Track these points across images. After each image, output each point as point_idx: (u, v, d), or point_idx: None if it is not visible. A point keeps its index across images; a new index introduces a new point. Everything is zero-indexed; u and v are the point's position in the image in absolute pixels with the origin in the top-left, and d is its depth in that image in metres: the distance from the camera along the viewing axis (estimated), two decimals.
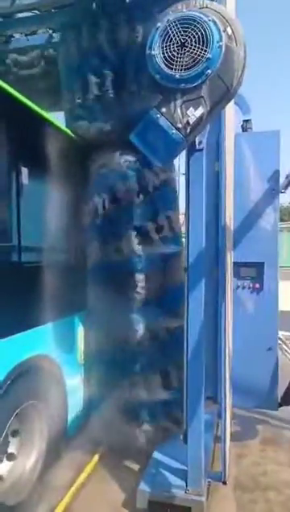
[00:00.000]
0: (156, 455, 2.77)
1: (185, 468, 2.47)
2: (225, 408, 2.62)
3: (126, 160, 2.99)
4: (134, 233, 3.01)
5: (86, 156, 3.20)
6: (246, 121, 4.20)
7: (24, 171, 2.62)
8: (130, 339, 2.99)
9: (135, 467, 2.95)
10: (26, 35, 4.14)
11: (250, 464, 3.04)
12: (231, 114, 3.42)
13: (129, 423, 2.97)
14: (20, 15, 3.89)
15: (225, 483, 2.54)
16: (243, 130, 4.18)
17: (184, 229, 2.62)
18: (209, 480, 2.56)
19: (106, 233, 3.08)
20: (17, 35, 4.20)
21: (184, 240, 2.70)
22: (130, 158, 2.98)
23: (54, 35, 3.85)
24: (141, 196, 3.02)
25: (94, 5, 3.05)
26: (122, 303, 3.02)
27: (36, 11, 3.77)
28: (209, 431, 2.95)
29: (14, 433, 2.47)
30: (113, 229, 3.05)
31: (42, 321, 2.63)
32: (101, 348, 3.14)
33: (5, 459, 2.41)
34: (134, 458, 3.01)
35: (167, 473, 2.55)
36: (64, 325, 2.94)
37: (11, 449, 2.45)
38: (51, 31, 3.93)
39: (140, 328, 2.99)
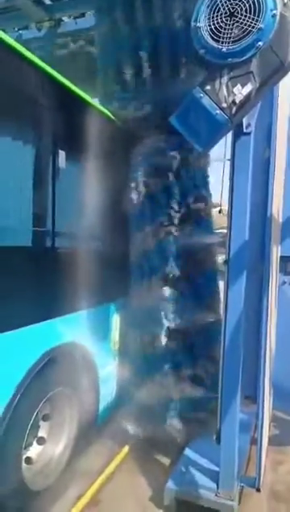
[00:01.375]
0: (187, 452, 2.68)
1: (217, 469, 2.36)
2: (262, 408, 2.46)
3: (162, 144, 2.88)
4: (165, 220, 2.91)
5: (126, 139, 3.12)
6: None
7: (68, 152, 2.61)
8: (160, 333, 2.91)
9: (166, 461, 2.89)
10: (74, 18, 4.12)
11: (289, 472, 2.85)
12: (286, 94, 3.15)
13: (161, 416, 2.90)
14: None
15: (258, 490, 2.39)
16: None
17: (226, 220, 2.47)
18: (242, 485, 2.43)
19: (142, 219, 3.01)
20: (65, 19, 4.19)
21: (224, 230, 2.56)
22: (168, 141, 2.86)
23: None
24: (176, 181, 2.91)
25: None
26: (156, 293, 2.95)
27: None
28: (245, 432, 2.80)
29: (45, 417, 2.49)
30: (149, 216, 2.97)
31: (76, 308, 2.60)
32: (135, 338, 3.09)
33: (35, 442, 2.44)
34: (166, 452, 2.94)
35: (197, 473, 2.46)
36: (99, 313, 2.91)
37: (41, 433, 2.48)
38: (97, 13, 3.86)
39: (171, 322, 2.90)
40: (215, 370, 2.97)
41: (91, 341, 2.75)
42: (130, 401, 3.05)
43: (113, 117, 3.08)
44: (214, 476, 2.35)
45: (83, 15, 4.06)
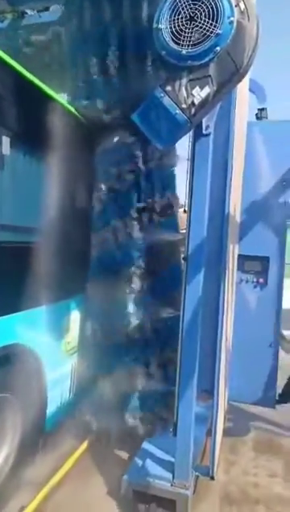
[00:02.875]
0: (145, 445, 2.73)
1: (173, 460, 2.42)
2: (217, 401, 2.56)
3: (125, 141, 2.92)
4: (129, 217, 2.95)
5: (88, 136, 3.13)
6: (261, 109, 4.05)
7: (27, 148, 2.57)
8: (121, 328, 2.94)
9: (125, 456, 2.92)
10: (38, 12, 4.04)
11: (241, 473, 2.87)
12: (244, 100, 3.29)
13: (118, 414, 2.92)
14: None
15: (212, 478, 2.49)
16: (258, 119, 4.04)
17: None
18: (197, 474, 2.51)
19: (105, 215, 3.03)
20: (29, 12, 4.11)
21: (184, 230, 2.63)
22: (130, 138, 2.90)
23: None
24: (138, 178, 2.96)
25: None
26: (113, 291, 2.97)
27: None
28: (201, 424, 2.87)
29: None
30: (110, 212, 3.00)
31: (20, 308, 2.45)
32: (91, 337, 3.09)
33: None
34: (124, 448, 2.97)
35: (154, 464, 2.51)
36: (49, 312, 2.78)
37: None
38: (63, 8, 3.83)
39: (132, 317, 2.94)
40: (174, 365, 3.05)
41: (38, 342, 2.63)
42: (86, 400, 3.04)
43: (77, 113, 3.07)
44: (170, 467, 2.41)
45: (47, 9, 4.01)
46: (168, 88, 1.89)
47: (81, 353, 3.19)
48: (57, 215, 2.83)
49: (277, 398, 3.53)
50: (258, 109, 4.03)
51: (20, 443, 2.54)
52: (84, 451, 2.97)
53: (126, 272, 3.03)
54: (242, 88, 3.03)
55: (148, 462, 2.53)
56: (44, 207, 2.72)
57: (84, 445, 3.02)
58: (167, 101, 1.88)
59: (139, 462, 2.56)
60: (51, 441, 2.84)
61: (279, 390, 3.54)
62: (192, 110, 1.87)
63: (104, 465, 2.81)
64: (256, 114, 4.02)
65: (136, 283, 3.03)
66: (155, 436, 2.88)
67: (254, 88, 3.94)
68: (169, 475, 2.39)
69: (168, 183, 3.26)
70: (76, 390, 3.18)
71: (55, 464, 2.75)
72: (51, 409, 2.82)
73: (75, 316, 3.14)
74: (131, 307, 3.02)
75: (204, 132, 2.23)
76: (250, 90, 3.80)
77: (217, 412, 2.52)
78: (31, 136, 2.60)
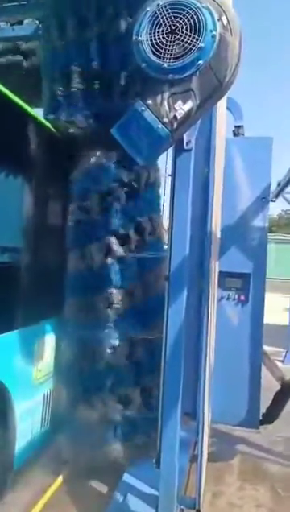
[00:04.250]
0: (126, 478, 2.56)
1: (156, 493, 2.26)
2: (202, 429, 2.43)
3: (105, 158, 2.83)
4: (112, 237, 2.84)
5: (64, 152, 3.03)
6: (238, 126, 4.08)
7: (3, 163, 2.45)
8: (97, 353, 2.80)
9: (104, 490, 2.73)
10: (11, 25, 3.96)
11: (226, 505, 2.72)
12: (223, 117, 3.28)
13: (96, 444, 2.75)
14: (5, 4, 3.72)
15: (198, 511, 2.34)
16: (235, 136, 4.06)
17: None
18: (182, 507, 2.35)
19: (82, 235, 2.91)
20: (2, 24, 4.02)
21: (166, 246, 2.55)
22: (111, 155, 2.82)
23: (40, 25, 3.68)
24: (121, 198, 2.86)
25: None
26: (91, 313, 2.83)
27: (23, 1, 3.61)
28: (184, 451, 2.74)
29: None
30: (90, 232, 2.88)
31: None
32: (65, 363, 2.92)
33: None
34: (103, 483, 2.77)
35: (136, 499, 2.35)
36: (16, 338, 2.60)
37: None
38: (37, 22, 3.77)
39: (109, 341, 2.80)
40: (152, 390, 2.92)
41: (5, 371, 2.45)
42: (60, 431, 2.87)
43: (54, 129, 2.97)
44: (154, 502, 2.25)
45: (21, 23, 3.93)
46: (149, 101, 1.82)
47: (55, 381, 3.01)
48: (26, 233, 2.72)
49: (261, 418, 3.44)
50: (235, 126, 4.06)
51: None
52: (58, 487, 2.75)
53: (102, 294, 2.90)
54: (221, 105, 3.03)
55: (129, 497, 2.37)
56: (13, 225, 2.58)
57: (59, 480, 2.80)
58: (148, 114, 1.81)
59: (120, 498, 2.39)
60: (21, 479, 2.63)
61: (262, 410, 3.45)
62: (175, 124, 1.80)
63: (81, 502, 2.60)
64: (233, 131, 4.05)
65: (113, 305, 2.90)
66: (135, 467, 2.71)
67: (231, 106, 3.97)
68: (152, 510, 2.23)
69: (153, 199, 3.18)
70: (50, 421, 2.99)
71: (27, 503, 2.53)
72: (20, 444, 2.60)
73: (47, 341, 2.96)
74: (108, 331, 2.87)
75: (185, 147, 2.17)
76: (227, 108, 3.82)
77: (202, 439, 2.39)
78: (3, 151, 2.48)
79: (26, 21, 3.85)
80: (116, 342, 2.85)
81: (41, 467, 2.80)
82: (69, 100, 2.90)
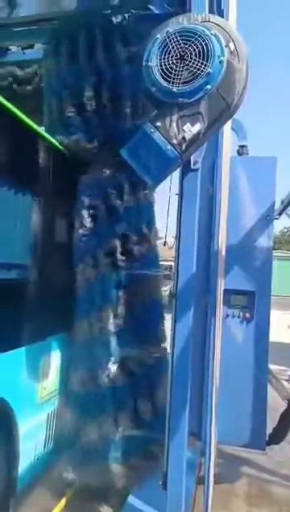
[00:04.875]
0: (131, 500, 2.51)
1: None
2: (209, 450, 2.40)
3: (103, 175, 2.90)
4: (106, 253, 2.88)
5: (71, 170, 3.10)
6: (242, 146, 4.15)
7: (7, 182, 2.49)
8: (102, 370, 2.78)
9: None
10: (22, 49, 4.09)
11: None
12: (228, 137, 3.35)
13: (101, 466, 2.70)
14: (17, 29, 3.85)
15: None
16: (239, 155, 4.12)
17: (172, 253, 2.49)
18: None
19: (83, 251, 2.95)
20: (14, 49, 4.14)
21: (169, 263, 2.57)
22: (109, 173, 2.91)
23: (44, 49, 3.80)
24: (116, 214, 2.92)
25: (82, 20, 3.02)
26: (90, 331, 2.83)
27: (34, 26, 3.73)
28: (190, 473, 2.70)
29: None
30: (91, 248, 2.92)
31: None
32: (68, 382, 2.91)
33: None
34: (108, 505, 2.72)
35: None
36: (20, 356, 2.56)
37: None
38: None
39: (111, 360, 2.79)
40: (158, 408, 2.88)
41: (8, 389, 2.39)
42: (64, 452, 2.82)
43: (60, 147, 3.04)
44: None
45: (32, 46, 4.05)
46: (158, 123, 1.87)
47: (60, 399, 2.97)
48: (29, 251, 2.74)
49: (267, 439, 3.38)
50: (240, 146, 4.12)
51: None
52: (62, 509, 2.69)
53: (103, 310, 2.90)
54: (226, 125, 3.10)
55: None
56: (20, 241, 2.64)
57: (62, 503, 2.74)
58: (157, 136, 1.85)
59: None
60: (24, 501, 2.59)
61: (268, 430, 3.40)
62: (183, 146, 1.85)
63: None
64: (238, 151, 4.12)
65: (114, 322, 2.90)
66: (141, 489, 2.66)
67: (235, 126, 4.05)
68: None
69: (148, 216, 3.23)
70: (54, 441, 2.93)
71: None
72: (24, 464, 2.54)
73: (52, 358, 2.93)
74: (110, 348, 2.87)
75: (192, 167, 2.22)
76: (232, 128, 3.90)
77: (209, 461, 2.36)
78: (13, 169, 2.53)
79: (36, 45, 3.98)
80: (117, 361, 2.84)
81: (44, 488, 2.75)
82: (70, 122, 2.99)
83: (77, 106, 2.95)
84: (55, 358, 2.98)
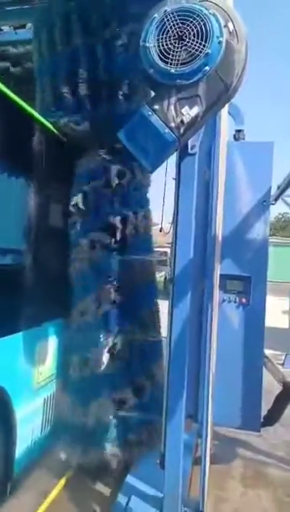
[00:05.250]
0: (129, 479, 2.57)
1: (160, 495, 2.27)
2: (206, 431, 2.44)
3: (97, 158, 2.89)
4: (100, 237, 2.88)
5: (63, 152, 3.07)
6: (239, 131, 4.10)
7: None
8: (97, 354, 2.80)
9: (107, 493, 2.73)
10: (14, 29, 3.99)
11: (232, 511, 2.72)
12: (224, 121, 3.31)
13: (98, 447, 2.75)
14: (9, 8, 3.74)
15: None
16: (235, 140, 4.09)
17: (167, 239, 2.50)
18: (186, 509, 2.36)
19: (77, 235, 2.95)
20: (5, 28, 4.04)
21: (164, 249, 2.57)
22: (104, 156, 2.91)
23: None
24: (110, 197, 2.93)
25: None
26: (85, 316, 2.85)
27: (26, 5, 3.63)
28: (187, 453, 2.75)
29: None
30: (85, 232, 2.91)
31: None
32: (64, 366, 2.94)
33: None
34: (106, 485, 2.78)
35: (140, 501, 2.35)
36: (16, 341, 2.56)
37: None
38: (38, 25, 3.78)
39: (107, 343, 2.81)
40: (153, 391, 2.93)
41: (4, 375, 2.41)
42: (61, 434, 2.86)
43: (54, 129, 2.99)
44: (158, 504, 2.26)
45: (24, 26, 3.95)
46: (156, 106, 1.84)
47: (56, 384, 3.00)
48: (25, 235, 2.72)
49: (261, 421, 3.45)
50: (236, 131, 4.08)
51: None
52: (60, 490, 2.74)
53: (97, 295, 2.91)
54: (223, 110, 3.06)
55: (133, 499, 2.36)
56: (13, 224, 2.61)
57: (61, 484, 2.79)
58: (155, 119, 1.83)
59: (123, 500, 2.39)
60: (22, 484, 2.62)
61: (263, 413, 3.46)
62: (181, 129, 1.82)
63: (84, 506, 2.60)
64: (234, 135, 4.08)
65: (108, 307, 2.92)
66: (138, 468, 2.72)
67: (232, 111, 4.00)
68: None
69: (142, 201, 3.22)
70: (51, 425, 2.97)
71: (27, 509, 2.51)
72: (21, 448, 2.57)
73: (48, 344, 2.95)
74: (105, 332, 2.89)
75: (189, 151, 2.20)
76: (229, 112, 3.85)
77: (206, 442, 2.41)
78: (7, 152, 2.50)
79: (28, 25, 3.88)
80: (112, 344, 2.87)
81: (43, 471, 2.79)
82: (62, 104, 2.94)
83: (70, 88, 2.90)
84: (51, 344, 2.99)
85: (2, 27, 4.07)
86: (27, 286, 2.67)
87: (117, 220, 2.96)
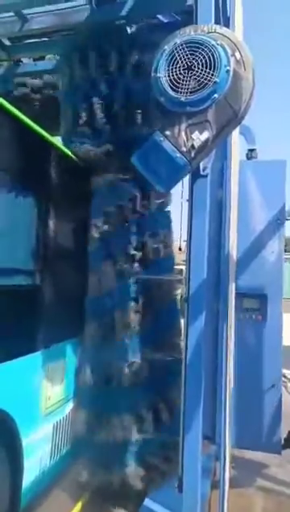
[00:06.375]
0: (147, 503, 2.53)
1: None
2: (224, 453, 2.41)
3: (118, 182, 2.96)
4: (123, 258, 2.92)
5: (86, 178, 3.16)
6: (251, 150, 4.17)
7: (23, 190, 2.57)
8: (111, 376, 2.81)
9: None
10: (34, 60, 4.19)
11: None
12: (236, 142, 3.37)
13: (111, 472, 2.73)
14: (29, 41, 3.95)
15: None
16: (248, 160, 4.14)
17: (184, 257, 2.53)
18: None
19: (94, 255, 3.00)
20: (25, 60, 4.26)
21: (180, 267, 2.61)
22: (124, 180, 2.98)
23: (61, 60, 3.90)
24: (132, 219, 2.97)
25: (95, 33, 3.10)
26: (104, 336, 2.87)
27: (45, 38, 3.83)
28: (206, 476, 2.70)
29: None
30: (101, 253, 2.97)
31: None
32: (76, 390, 2.95)
33: None
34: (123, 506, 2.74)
35: None
36: (22, 365, 2.47)
37: None
38: (58, 57, 3.99)
39: (123, 364, 2.82)
40: (174, 412, 2.90)
41: (11, 401, 2.29)
42: (73, 461, 2.84)
43: (73, 156, 3.11)
44: None
45: (43, 58, 4.16)
46: (167, 132, 1.91)
47: (66, 408, 2.98)
48: (37, 257, 2.73)
49: (282, 442, 3.37)
50: (249, 150, 4.15)
51: None
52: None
53: (116, 315, 2.94)
54: (234, 130, 3.13)
55: None
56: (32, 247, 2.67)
57: (77, 509, 2.76)
58: (166, 144, 1.89)
59: None
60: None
61: (283, 435, 3.38)
62: (192, 153, 1.88)
63: None
64: (247, 155, 4.14)
65: (127, 326, 2.94)
66: (156, 492, 2.68)
67: (243, 131, 4.08)
68: None
69: (164, 222, 3.27)
70: (61, 452, 2.88)
71: None
72: (28, 478, 2.46)
73: (57, 367, 2.87)
74: (122, 353, 2.90)
75: (201, 173, 2.26)
76: (240, 133, 3.92)
77: (224, 465, 2.37)
78: (28, 178, 2.61)
79: (47, 57, 4.09)
80: (128, 366, 2.87)
81: (53, 500, 2.73)
82: (86, 130, 3.06)
83: (90, 115, 3.02)
84: (61, 367, 2.92)
85: (23, 59, 4.28)
86: (37, 307, 2.64)
87: (138, 243, 3.00)
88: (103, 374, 2.93)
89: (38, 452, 2.61)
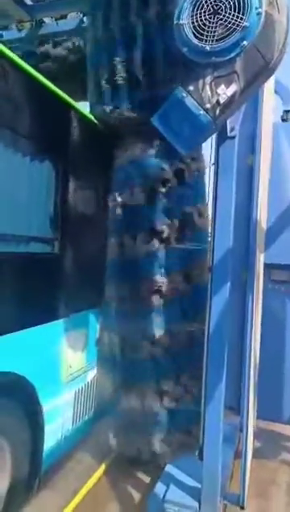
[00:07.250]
0: (168, 469, 2.55)
1: (199, 486, 2.25)
2: (247, 422, 2.37)
3: (148, 149, 2.80)
4: (154, 229, 2.81)
5: (109, 145, 3.04)
6: (288, 111, 3.89)
7: (43, 155, 2.50)
8: (136, 343, 2.79)
9: (146, 480, 2.75)
10: (56, 20, 4.03)
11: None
12: (270, 101, 3.13)
13: (134, 438, 2.76)
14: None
15: (243, 508, 2.29)
16: (283, 121, 3.87)
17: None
18: (225, 502, 2.32)
19: (125, 227, 2.91)
20: (47, 20, 4.10)
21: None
22: (154, 146, 2.78)
23: (84, 19, 3.71)
24: (164, 189, 2.82)
25: None
26: (131, 304, 2.83)
27: None
28: (228, 445, 2.69)
29: None
30: (132, 224, 2.87)
31: (7, 328, 2.12)
32: (99, 358, 2.94)
33: None
34: (144, 473, 2.79)
35: (178, 490, 2.33)
36: (43, 333, 2.45)
37: None
38: (81, 15, 3.80)
39: (153, 333, 2.78)
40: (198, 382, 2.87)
41: (31, 369, 2.29)
42: (94, 426, 2.88)
43: (95, 120, 2.99)
44: (196, 495, 2.24)
45: (64, 17, 3.98)
46: (191, 87, 1.76)
47: (87, 376, 3.00)
48: (56, 224, 2.66)
49: None
50: (284, 111, 3.87)
51: (10, 487, 2.23)
52: (97, 479, 2.75)
53: (144, 284, 2.88)
54: (267, 88, 2.88)
55: (172, 489, 2.35)
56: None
57: (100, 471, 2.82)
58: (189, 101, 1.75)
59: (162, 489, 2.38)
60: (51, 480, 2.60)
61: None
62: (217, 110, 1.73)
63: (120, 494, 2.61)
64: (282, 116, 3.86)
65: (156, 295, 2.88)
66: (178, 459, 2.70)
67: (279, 90, 3.78)
68: (195, 503, 2.22)
69: (198, 190, 3.10)
70: (83, 418, 2.93)
71: (59, 504, 2.48)
72: (49, 444, 2.50)
73: (79, 335, 2.86)
74: (153, 322, 2.86)
75: (229, 134, 2.10)
76: (275, 91, 3.64)
77: (247, 434, 2.33)
78: (49, 143, 2.54)
79: (69, 15, 3.90)
80: (158, 333, 2.83)
81: (73, 467, 2.78)
82: (116, 91, 2.88)
83: (123, 76, 2.83)
84: (83, 335, 2.92)
85: (44, 19, 4.12)
86: (59, 275, 2.62)
87: (171, 211, 2.88)
88: (126, 344, 2.92)
89: (59, 417, 2.66)
